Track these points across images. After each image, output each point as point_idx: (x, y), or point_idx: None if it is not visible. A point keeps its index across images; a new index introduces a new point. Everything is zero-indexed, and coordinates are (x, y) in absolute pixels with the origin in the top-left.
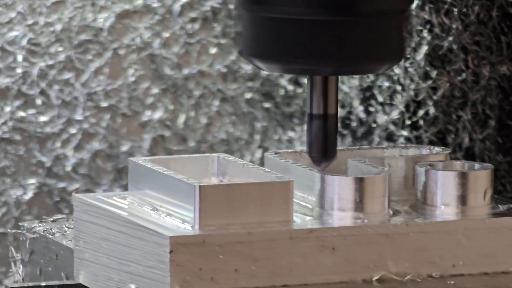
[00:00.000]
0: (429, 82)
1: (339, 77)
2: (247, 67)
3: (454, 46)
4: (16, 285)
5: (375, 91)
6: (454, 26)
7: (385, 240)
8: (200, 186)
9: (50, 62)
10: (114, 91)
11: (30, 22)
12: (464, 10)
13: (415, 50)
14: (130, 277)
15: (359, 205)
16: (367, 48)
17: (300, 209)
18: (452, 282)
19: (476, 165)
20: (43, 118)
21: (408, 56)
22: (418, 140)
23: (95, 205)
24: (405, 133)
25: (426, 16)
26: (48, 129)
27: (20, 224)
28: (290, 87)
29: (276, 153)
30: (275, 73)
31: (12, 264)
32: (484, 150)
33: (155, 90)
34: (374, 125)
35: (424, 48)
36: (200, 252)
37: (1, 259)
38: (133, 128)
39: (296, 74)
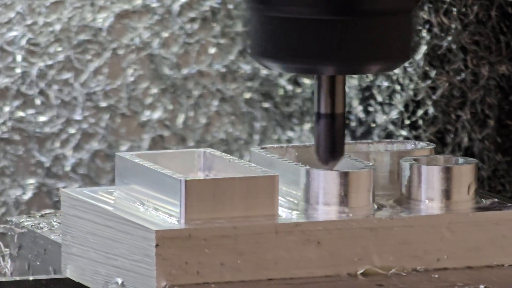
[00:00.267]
0: (428, 82)
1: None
2: (246, 67)
3: (453, 46)
4: (3, 279)
5: (374, 91)
6: (453, 26)
7: (370, 234)
8: (186, 181)
9: (49, 62)
10: (113, 91)
11: (29, 22)
12: (463, 10)
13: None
14: (117, 271)
15: (344, 199)
16: (374, 48)
17: (285, 204)
18: (437, 276)
19: (460, 160)
20: (42, 118)
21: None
22: (417, 140)
23: (82, 199)
24: (404, 132)
25: (425, 16)
26: (47, 129)
27: (8, 219)
28: (289, 87)
29: (262, 148)
30: (284, 72)
31: (1, 258)
32: (483, 149)
33: (154, 90)
34: (373, 125)
35: (423, 48)
36: (186, 246)
37: None
38: (132, 128)
39: (304, 74)
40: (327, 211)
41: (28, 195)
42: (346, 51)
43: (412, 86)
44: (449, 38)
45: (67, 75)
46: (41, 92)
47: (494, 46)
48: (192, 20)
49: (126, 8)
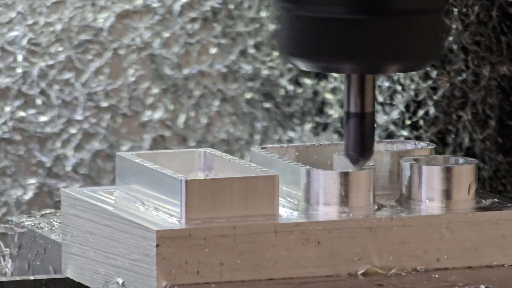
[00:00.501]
0: (429, 82)
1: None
2: (247, 67)
3: (454, 46)
4: (3, 279)
5: (375, 91)
6: (454, 26)
7: (370, 234)
8: (186, 181)
9: (50, 62)
10: (114, 91)
11: (30, 22)
12: (464, 10)
13: None
14: (117, 271)
15: (344, 199)
16: (403, 47)
17: (285, 203)
18: (437, 276)
19: (461, 160)
20: (43, 118)
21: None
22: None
23: (81, 199)
24: (405, 133)
25: None
26: (48, 129)
27: (8, 218)
28: (290, 87)
29: (262, 148)
30: (313, 71)
31: (1, 258)
32: (484, 150)
33: (155, 90)
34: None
35: None
36: (186, 246)
37: None
38: (133, 128)
39: (333, 73)
40: (327, 211)
41: (29, 195)
42: (374, 50)
43: (413, 86)
44: (450, 38)
45: (68, 75)
46: (42, 92)
47: (495, 46)
48: (193, 20)
49: (127, 8)
